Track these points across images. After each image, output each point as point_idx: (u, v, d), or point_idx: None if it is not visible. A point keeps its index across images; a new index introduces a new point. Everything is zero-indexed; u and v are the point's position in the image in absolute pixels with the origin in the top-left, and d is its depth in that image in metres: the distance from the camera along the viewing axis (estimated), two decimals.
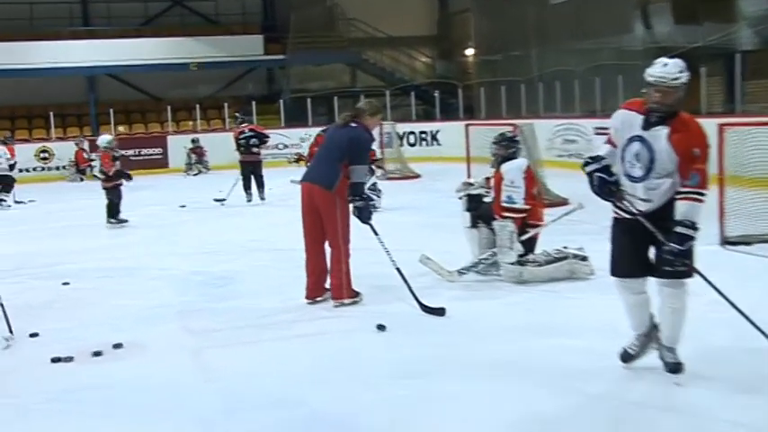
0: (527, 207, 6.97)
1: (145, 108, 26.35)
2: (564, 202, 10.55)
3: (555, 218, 7.29)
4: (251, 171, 13.86)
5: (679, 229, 4.17)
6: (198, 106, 24.06)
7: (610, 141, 4.49)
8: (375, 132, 6.83)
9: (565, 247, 7.07)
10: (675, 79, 4.20)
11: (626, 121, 4.37)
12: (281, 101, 24.27)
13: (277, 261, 8.34)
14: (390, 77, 26.78)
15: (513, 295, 6.52)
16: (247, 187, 13.82)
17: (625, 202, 4.33)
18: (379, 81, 26.53)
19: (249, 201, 13.70)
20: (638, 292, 4.46)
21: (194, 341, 5.67)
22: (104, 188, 11.69)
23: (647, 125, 4.27)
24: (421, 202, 13.07)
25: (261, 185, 13.92)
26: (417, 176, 17.57)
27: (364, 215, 6.31)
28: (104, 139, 12.06)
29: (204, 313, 6.43)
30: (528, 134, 11.51)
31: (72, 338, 5.73)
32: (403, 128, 21.29)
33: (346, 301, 6.33)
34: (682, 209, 4.21)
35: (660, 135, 4.23)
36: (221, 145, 19.81)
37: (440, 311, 5.96)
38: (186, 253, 9.26)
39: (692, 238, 4.19)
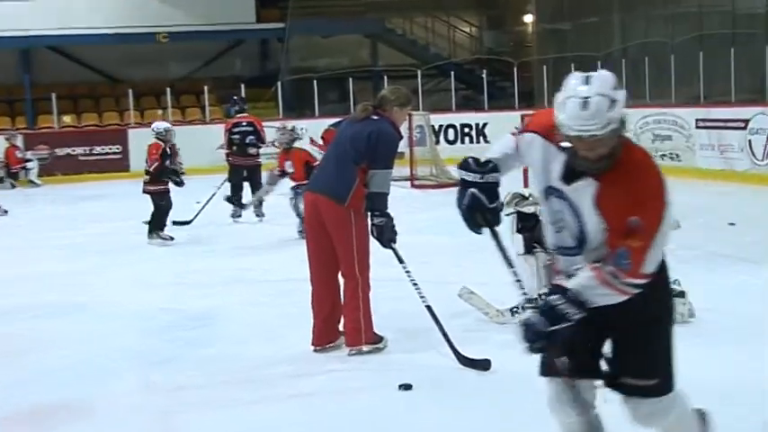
0: None
1: (98, 92, 26.62)
2: None
3: None
4: (244, 177, 13.59)
5: (555, 303, 3.36)
6: (168, 90, 24.19)
7: (515, 140, 3.70)
8: (403, 127, 6.85)
9: None
10: (606, 126, 3.18)
11: (539, 152, 3.51)
12: (279, 83, 24.42)
13: (271, 296, 8.39)
14: (423, 53, 26.91)
15: None
16: (237, 198, 13.56)
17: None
18: (409, 58, 26.64)
19: (238, 216, 13.53)
20: (578, 406, 3.61)
21: (160, 401, 5.71)
22: (145, 191, 11.74)
23: (568, 175, 3.39)
24: (461, 219, 13.01)
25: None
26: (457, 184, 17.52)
27: (386, 236, 6.30)
28: (160, 125, 12.09)
29: (174, 364, 6.48)
30: None
31: None
32: (439, 119, 21.42)
33: (365, 348, 6.36)
34: (581, 280, 3.37)
35: (585, 193, 3.36)
36: (200, 141, 19.94)
37: (483, 364, 5.96)
38: (151, 284, 9.33)
39: (567, 321, 3.35)
